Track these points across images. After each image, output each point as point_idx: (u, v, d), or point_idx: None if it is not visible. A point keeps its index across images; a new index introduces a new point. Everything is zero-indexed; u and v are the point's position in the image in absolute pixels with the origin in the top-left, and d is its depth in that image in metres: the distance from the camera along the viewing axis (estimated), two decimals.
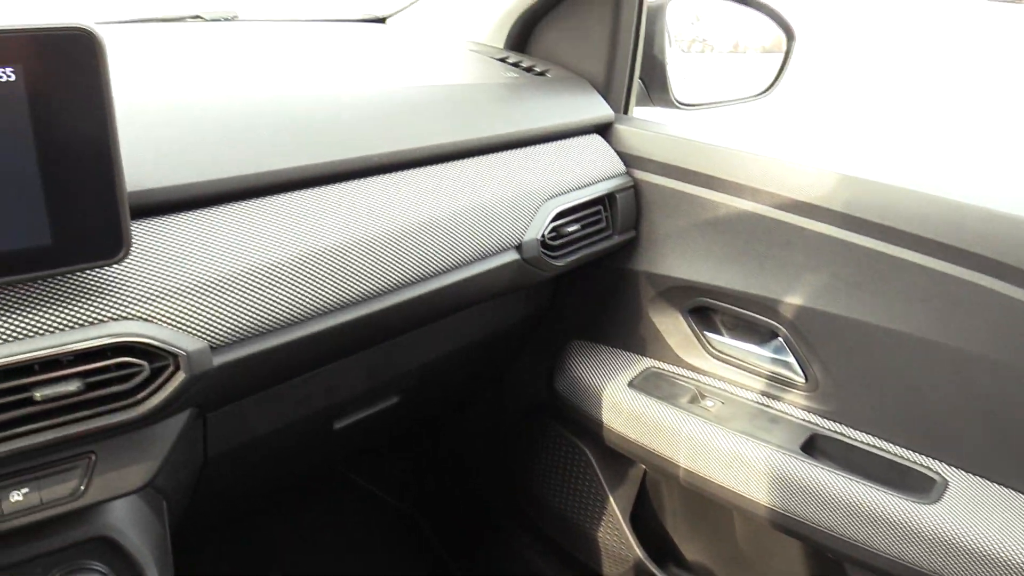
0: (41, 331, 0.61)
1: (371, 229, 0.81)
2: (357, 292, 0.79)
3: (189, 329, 0.67)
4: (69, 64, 0.56)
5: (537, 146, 1.05)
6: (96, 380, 0.63)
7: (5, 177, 0.56)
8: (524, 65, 1.16)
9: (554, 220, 1.01)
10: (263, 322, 0.72)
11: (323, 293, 0.76)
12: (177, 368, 0.66)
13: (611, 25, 1.16)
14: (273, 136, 0.79)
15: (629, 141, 1.16)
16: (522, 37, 1.24)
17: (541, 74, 1.15)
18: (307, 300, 0.75)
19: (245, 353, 0.72)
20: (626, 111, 1.24)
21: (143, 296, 0.65)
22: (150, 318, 0.65)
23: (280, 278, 0.73)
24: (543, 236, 1.00)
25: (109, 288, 0.64)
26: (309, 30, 1.24)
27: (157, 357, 0.66)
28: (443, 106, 0.97)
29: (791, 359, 1.10)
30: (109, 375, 0.64)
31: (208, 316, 0.68)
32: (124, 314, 0.64)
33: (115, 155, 0.59)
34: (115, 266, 0.65)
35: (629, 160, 1.16)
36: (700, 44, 1.65)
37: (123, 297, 0.64)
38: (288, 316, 0.74)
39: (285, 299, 0.73)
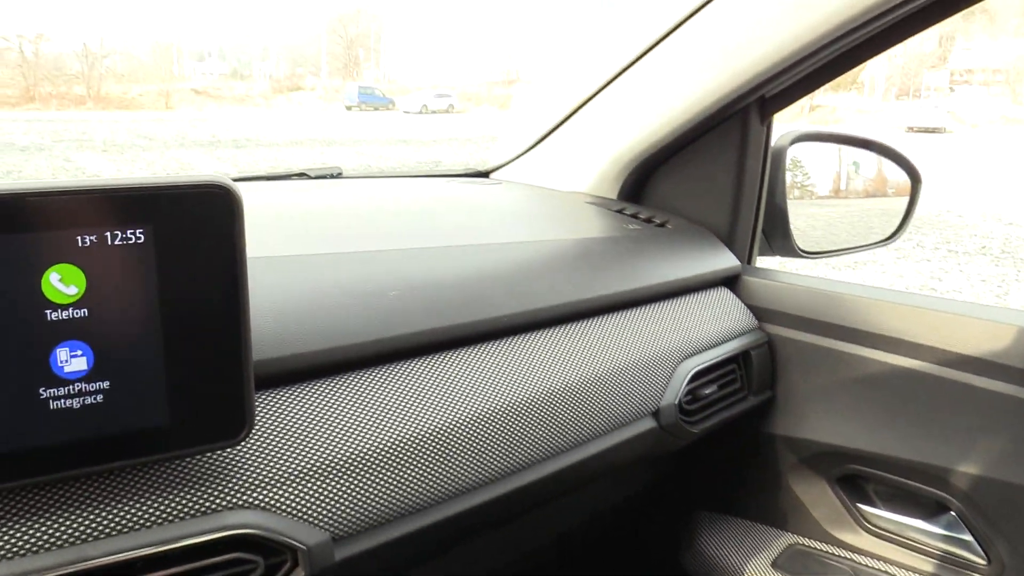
0: (147, 523, 0.53)
1: (507, 397, 0.73)
2: (494, 469, 0.70)
3: (310, 519, 0.58)
4: (203, 224, 0.50)
5: (665, 302, 0.97)
6: None
7: (125, 349, 0.50)
8: (642, 216, 1.10)
9: (690, 382, 0.91)
10: (392, 509, 0.63)
11: (459, 472, 0.67)
12: (296, 564, 0.57)
13: (735, 172, 1.10)
14: (397, 298, 0.72)
15: (760, 293, 1.07)
16: (637, 187, 1.19)
17: (661, 225, 1.08)
18: (441, 481, 0.66)
19: (370, 545, 0.62)
20: (750, 261, 1.16)
21: (260, 481, 0.57)
22: (268, 506, 0.57)
23: (413, 457, 0.65)
24: (679, 401, 0.90)
25: (223, 473, 0.56)
26: (415, 186, 1.21)
27: (273, 552, 0.57)
28: (568, 261, 0.90)
29: (967, 536, 0.95)
30: (219, 573, 0.55)
31: (332, 503, 0.60)
32: (239, 502, 0.56)
33: (244, 325, 0.53)
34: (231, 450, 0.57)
35: (761, 314, 1.07)
36: (799, 190, 1.59)
37: (238, 483, 0.56)
38: (419, 500, 0.65)
39: (417, 481, 0.65)
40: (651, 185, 1.19)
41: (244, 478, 0.57)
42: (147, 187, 0.48)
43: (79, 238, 0.47)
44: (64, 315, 0.47)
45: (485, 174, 1.34)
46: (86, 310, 0.48)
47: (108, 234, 0.48)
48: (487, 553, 0.94)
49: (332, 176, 1.21)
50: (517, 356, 0.77)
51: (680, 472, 1.18)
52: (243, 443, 0.57)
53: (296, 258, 0.73)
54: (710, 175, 1.12)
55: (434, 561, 0.80)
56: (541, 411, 0.75)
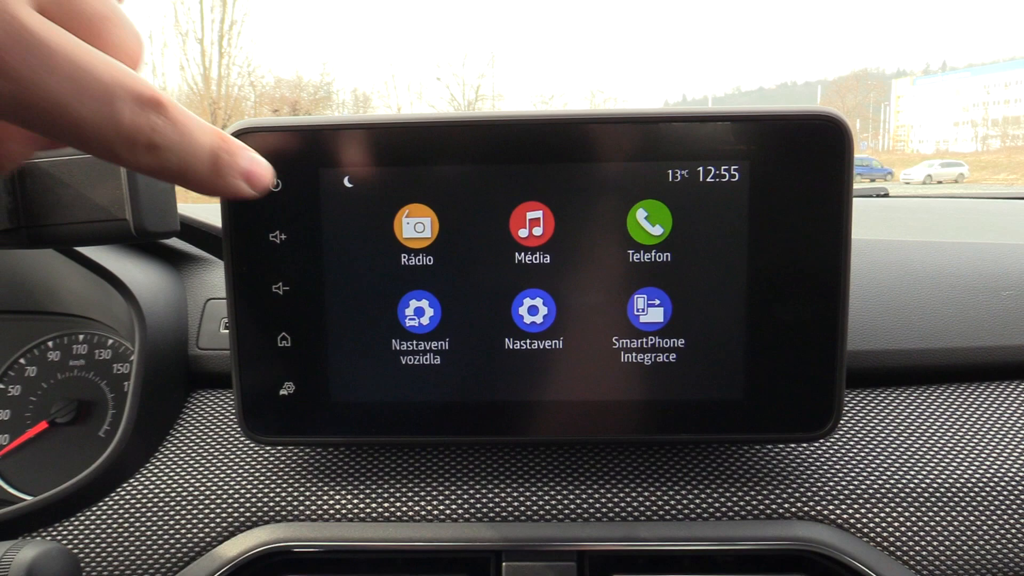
0: (698, 514, 0.45)
1: None
2: None
3: (898, 551, 0.46)
4: (806, 165, 0.42)
5: None
6: None
7: (704, 304, 0.43)
8: None
9: None
10: (985, 561, 0.47)
11: None
12: None
13: None
14: (1011, 299, 0.56)
15: None
16: None
17: None
18: None
19: None
20: None
21: (838, 493, 0.46)
22: (845, 525, 0.45)
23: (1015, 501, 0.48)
24: None
25: (793, 473, 0.47)
26: (984, 205, 1.01)
27: None
28: None
29: None
30: None
31: (926, 538, 0.46)
32: (809, 512, 0.46)
33: (844, 293, 0.43)
34: (806, 444, 0.48)
35: None
36: None
37: (811, 489, 0.46)
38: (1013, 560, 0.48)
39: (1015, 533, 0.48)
40: None
41: (818, 485, 0.46)
42: (750, 116, 0.41)
43: (671, 172, 0.42)
44: (647, 257, 0.42)
45: None
46: (669, 254, 0.42)
47: (701, 169, 0.42)
48: None
49: (878, 196, 1.07)
50: None
51: None
52: (821, 442, 0.47)
53: (872, 242, 0.62)
54: None
55: None
56: None
